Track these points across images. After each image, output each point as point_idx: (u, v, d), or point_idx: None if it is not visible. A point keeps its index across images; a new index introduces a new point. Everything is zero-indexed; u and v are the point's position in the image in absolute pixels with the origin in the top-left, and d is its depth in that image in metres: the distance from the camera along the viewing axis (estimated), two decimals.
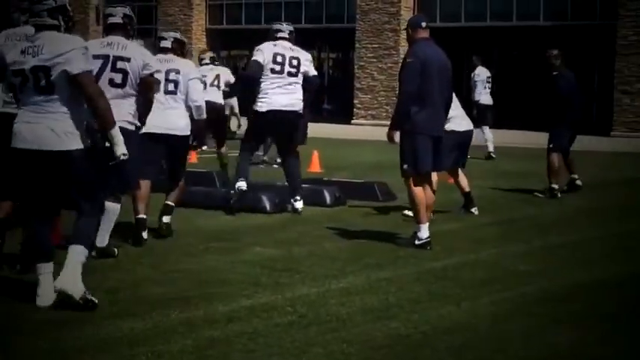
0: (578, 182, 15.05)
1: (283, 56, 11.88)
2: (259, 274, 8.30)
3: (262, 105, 11.81)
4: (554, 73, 14.73)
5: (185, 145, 10.30)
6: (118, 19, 8.92)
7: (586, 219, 12.52)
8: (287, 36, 12.11)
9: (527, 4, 33.42)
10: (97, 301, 6.90)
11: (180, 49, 10.43)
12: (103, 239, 8.67)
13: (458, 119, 12.06)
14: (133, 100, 8.65)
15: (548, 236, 10.87)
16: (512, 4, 33.56)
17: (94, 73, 7.74)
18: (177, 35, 10.64)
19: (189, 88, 10.13)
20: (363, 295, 7.62)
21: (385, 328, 6.69)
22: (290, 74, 11.87)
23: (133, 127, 8.59)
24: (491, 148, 21.78)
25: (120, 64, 8.63)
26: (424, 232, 9.81)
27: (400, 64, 10.20)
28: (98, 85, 7.37)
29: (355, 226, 11.00)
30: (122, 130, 7.33)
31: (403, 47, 34.76)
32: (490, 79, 23.41)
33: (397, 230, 10.64)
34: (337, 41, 37.18)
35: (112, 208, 8.72)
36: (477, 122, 21.38)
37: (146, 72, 8.69)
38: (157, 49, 10.22)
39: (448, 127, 11.00)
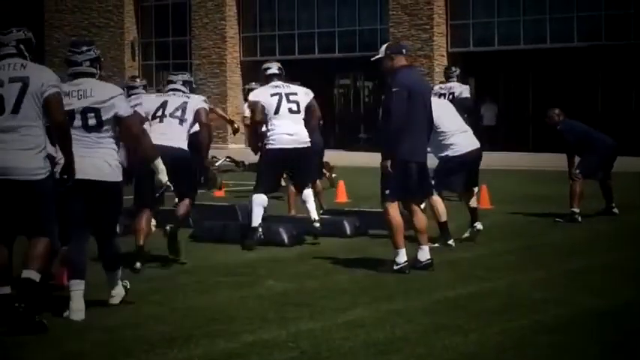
0: (615, 210, 14.99)
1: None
2: (267, 309, 8.20)
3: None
4: (558, 128, 14.84)
5: None
6: (275, 70, 12.08)
7: (609, 243, 12.30)
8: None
9: (560, 26, 33.24)
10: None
11: None
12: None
13: (464, 140, 12.09)
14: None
15: (568, 262, 10.68)
16: (546, 27, 33.40)
17: (275, 106, 11.65)
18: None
19: None
20: (370, 329, 7.49)
21: None
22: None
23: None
24: None
25: (292, 97, 11.75)
26: (402, 257, 9.87)
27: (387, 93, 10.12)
28: (142, 126, 8.52)
29: (372, 257, 10.85)
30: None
31: (437, 73, 34.68)
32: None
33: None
34: (372, 69, 37.20)
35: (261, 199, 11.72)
36: None
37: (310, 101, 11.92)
38: None
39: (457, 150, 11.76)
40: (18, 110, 7.32)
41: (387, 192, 9.95)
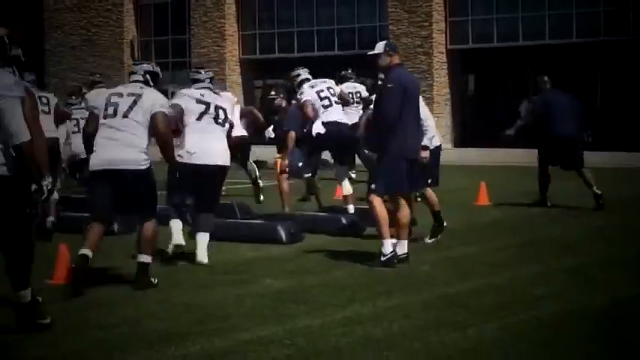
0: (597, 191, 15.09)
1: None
2: (264, 307, 8.19)
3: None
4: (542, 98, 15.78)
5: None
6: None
7: (608, 239, 12.24)
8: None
9: (559, 22, 33.20)
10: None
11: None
12: None
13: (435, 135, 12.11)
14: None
15: (567, 258, 10.64)
16: (545, 23, 33.36)
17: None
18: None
19: None
20: (367, 325, 7.48)
21: (383, 359, 6.55)
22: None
23: None
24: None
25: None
26: (388, 248, 10.09)
27: (380, 90, 10.39)
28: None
29: (371, 254, 10.81)
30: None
31: (436, 70, 34.69)
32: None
33: (412, 256, 10.45)
34: (371, 67, 37.13)
35: None
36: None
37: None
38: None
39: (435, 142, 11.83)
40: (127, 116, 9.13)
41: (373, 186, 10.18)
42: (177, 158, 9.82)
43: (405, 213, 10.28)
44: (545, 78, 15.85)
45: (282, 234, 11.76)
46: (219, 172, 10.53)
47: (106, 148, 9.09)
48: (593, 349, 6.82)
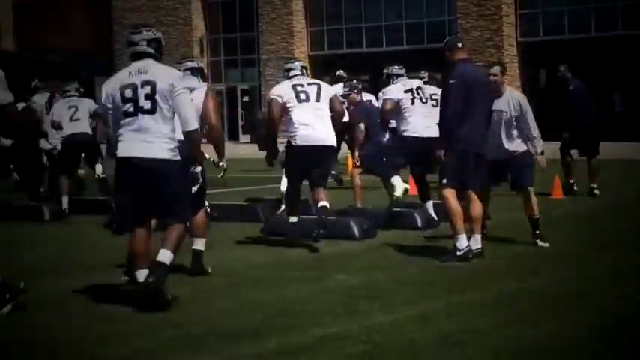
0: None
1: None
2: (337, 303, 8.16)
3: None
4: (570, 87, 16.56)
5: None
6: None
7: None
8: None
9: (632, 12, 32.76)
10: None
11: None
12: None
13: None
14: None
15: (605, 257, 10.35)
16: (617, 14, 32.96)
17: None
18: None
19: None
20: (441, 321, 7.41)
21: (461, 355, 6.49)
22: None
23: None
24: None
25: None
26: (463, 242, 10.04)
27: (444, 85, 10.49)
28: None
29: (443, 249, 10.75)
30: None
31: (507, 64, 34.35)
32: None
33: (486, 251, 10.35)
34: (440, 61, 36.90)
35: None
36: None
37: None
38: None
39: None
40: (319, 100, 11.27)
41: (445, 181, 10.15)
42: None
43: (476, 207, 10.24)
44: (565, 66, 16.67)
45: (355, 230, 11.72)
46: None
47: (314, 127, 11.10)
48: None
